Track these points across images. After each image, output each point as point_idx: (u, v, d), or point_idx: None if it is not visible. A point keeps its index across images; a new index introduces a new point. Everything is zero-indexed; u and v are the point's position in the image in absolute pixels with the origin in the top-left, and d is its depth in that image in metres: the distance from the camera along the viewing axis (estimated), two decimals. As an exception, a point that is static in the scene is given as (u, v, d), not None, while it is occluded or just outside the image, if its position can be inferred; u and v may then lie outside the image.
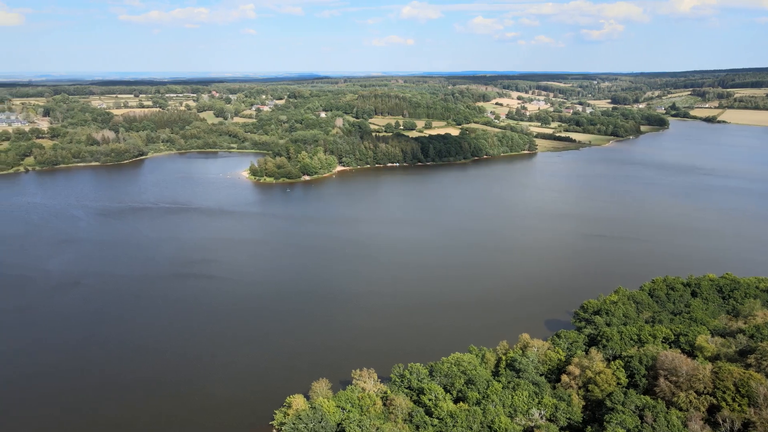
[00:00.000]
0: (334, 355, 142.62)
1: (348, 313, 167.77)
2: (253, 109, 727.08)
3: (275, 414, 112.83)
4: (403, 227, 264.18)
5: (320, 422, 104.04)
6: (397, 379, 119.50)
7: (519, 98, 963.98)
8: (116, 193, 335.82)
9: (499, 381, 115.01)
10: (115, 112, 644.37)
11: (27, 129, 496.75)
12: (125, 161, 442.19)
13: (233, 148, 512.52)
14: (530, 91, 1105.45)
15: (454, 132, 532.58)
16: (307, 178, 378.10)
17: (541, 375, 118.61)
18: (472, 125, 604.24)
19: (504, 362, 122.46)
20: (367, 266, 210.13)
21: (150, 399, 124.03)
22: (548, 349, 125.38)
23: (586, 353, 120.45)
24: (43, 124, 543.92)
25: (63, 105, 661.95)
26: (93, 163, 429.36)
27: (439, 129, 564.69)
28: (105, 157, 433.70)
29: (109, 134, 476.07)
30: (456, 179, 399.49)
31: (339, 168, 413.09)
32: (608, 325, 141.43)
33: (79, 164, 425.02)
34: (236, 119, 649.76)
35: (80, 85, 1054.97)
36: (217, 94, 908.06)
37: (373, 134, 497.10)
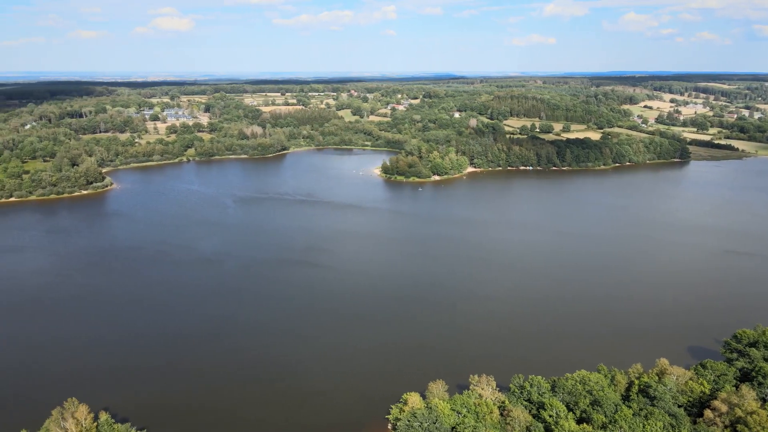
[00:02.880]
0: (452, 357, 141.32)
1: (467, 317, 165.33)
2: (389, 108, 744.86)
3: (391, 408, 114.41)
4: (531, 233, 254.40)
5: (435, 423, 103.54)
6: (516, 390, 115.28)
7: (672, 101, 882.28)
8: (259, 184, 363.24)
9: (629, 407, 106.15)
10: (264, 109, 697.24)
11: (191, 123, 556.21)
12: (269, 155, 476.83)
13: (367, 145, 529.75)
14: (686, 93, 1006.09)
15: (595, 136, 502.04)
16: (437, 178, 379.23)
17: (679, 406, 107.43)
18: (616, 129, 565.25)
19: (636, 387, 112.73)
20: (490, 270, 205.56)
21: (268, 382, 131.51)
22: (690, 379, 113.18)
23: (737, 389, 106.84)
24: (204, 119, 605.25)
25: (221, 102, 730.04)
26: (242, 156, 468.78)
27: (578, 133, 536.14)
28: (252, 151, 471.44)
29: (258, 130, 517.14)
30: (593, 186, 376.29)
31: (470, 169, 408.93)
32: (766, 360, 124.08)
33: (230, 156, 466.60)
34: (372, 117, 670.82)
35: (236, 84, 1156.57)
36: (356, 93, 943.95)
37: (507, 136, 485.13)
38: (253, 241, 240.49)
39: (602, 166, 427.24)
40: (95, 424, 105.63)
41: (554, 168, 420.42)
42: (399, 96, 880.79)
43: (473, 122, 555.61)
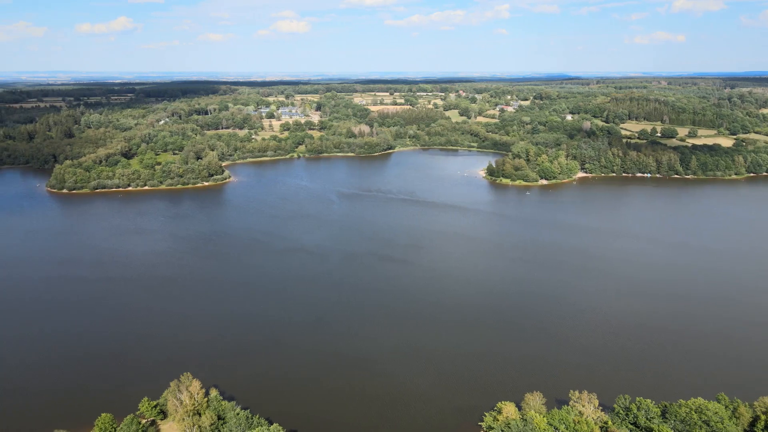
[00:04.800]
0: (552, 370, 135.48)
1: (570, 329, 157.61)
2: (497, 109, 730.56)
3: (485, 416, 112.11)
4: (646, 244, 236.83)
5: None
6: (621, 411, 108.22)
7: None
8: (364, 182, 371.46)
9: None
10: (372, 108, 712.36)
11: (302, 121, 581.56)
12: (375, 153, 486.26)
13: (473, 146, 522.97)
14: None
15: (726, 143, 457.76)
16: (544, 182, 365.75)
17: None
18: (752, 136, 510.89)
19: (762, 422, 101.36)
20: (598, 281, 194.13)
21: (363, 378, 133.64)
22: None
23: None
24: (315, 117, 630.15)
25: (331, 101, 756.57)
26: (349, 154, 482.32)
27: (706, 138, 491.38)
28: (359, 149, 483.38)
29: (365, 128, 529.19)
30: (721, 197, 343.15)
31: (580, 174, 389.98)
32: None
33: (337, 154, 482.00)
34: (479, 119, 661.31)
35: (347, 84, 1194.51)
36: (464, 94, 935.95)
37: (624, 140, 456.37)
38: (354, 237, 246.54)
39: (733, 176, 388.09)
40: (206, 399, 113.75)
41: (676, 176, 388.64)
42: (508, 97, 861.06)
43: (587, 125, 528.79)
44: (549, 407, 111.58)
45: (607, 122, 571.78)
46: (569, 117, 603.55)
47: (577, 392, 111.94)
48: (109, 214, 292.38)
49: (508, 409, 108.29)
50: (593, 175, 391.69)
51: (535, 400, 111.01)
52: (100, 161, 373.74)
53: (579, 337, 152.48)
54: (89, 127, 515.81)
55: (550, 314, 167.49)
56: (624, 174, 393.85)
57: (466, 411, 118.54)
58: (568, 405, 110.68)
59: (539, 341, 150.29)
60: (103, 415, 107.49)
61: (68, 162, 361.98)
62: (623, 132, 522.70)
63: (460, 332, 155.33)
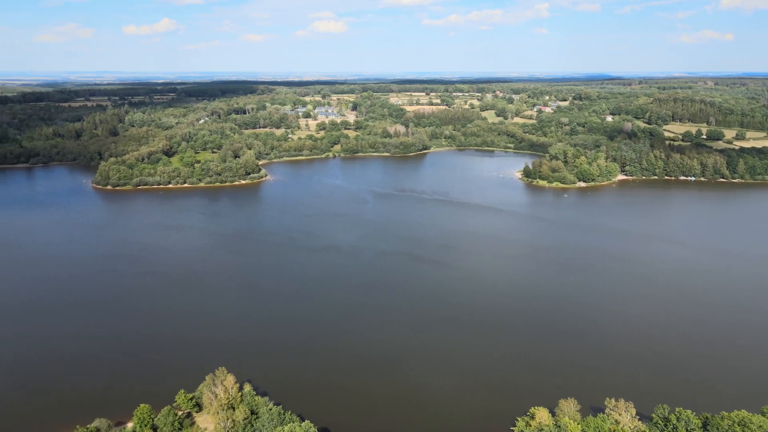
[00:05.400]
0: (587, 376, 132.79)
1: (607, 335, 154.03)
2: (535, 109, 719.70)
3: (517, 421, 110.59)
4: (687, 249, 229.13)
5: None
6: (659, 421, 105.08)
7: None
8: (399, 182, 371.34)
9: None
10: (408, 108, 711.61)
11: (338, 121, 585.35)
12: (410, 154, 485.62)
13: (510, 148, 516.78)
14: None
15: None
16: (582, 184, 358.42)
17: None
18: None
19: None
20: (635, 286, 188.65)
21: (392, 379, 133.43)
22: None
23: None
24: (351, 117, 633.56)
25: (367, 101, 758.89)
26: (384, 154, 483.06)
27: (755, 141, 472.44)
28: (394, 149, 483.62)
29: (401, 128, 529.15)
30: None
31: (620, 177, 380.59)
32: None
33: (373, 153, 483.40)
34: (516, 119, 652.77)
35: (383, 84, 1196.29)
36: (501, 94, 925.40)
37: (667, 142, 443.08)
38: (388, 236, 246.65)
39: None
40: (240, 393, 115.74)
41: (722, 180, 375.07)
42: (546, 98, 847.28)
43: (628, 126, 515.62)
44: (584, 414, 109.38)
45: (649, 124, 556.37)
46: (609, 118, 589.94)
47: (613, 400, 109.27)
48: (150, 211, 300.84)
49: (541, 414, 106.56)
50: (634, 177, 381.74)
51: (569, 407, 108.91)
52: (143, 159, 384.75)
53: (615, 344, 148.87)
54: (133, 126, 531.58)
55: (586, 319, 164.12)
56: (666, 177, 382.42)
57: (497, 415, 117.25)
58: (603, 413, 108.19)
59: (574, 346, 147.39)
60: (142, 405, 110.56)
61: (112, 159, 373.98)
62: (666, 134, 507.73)
63: (493, 335, 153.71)
